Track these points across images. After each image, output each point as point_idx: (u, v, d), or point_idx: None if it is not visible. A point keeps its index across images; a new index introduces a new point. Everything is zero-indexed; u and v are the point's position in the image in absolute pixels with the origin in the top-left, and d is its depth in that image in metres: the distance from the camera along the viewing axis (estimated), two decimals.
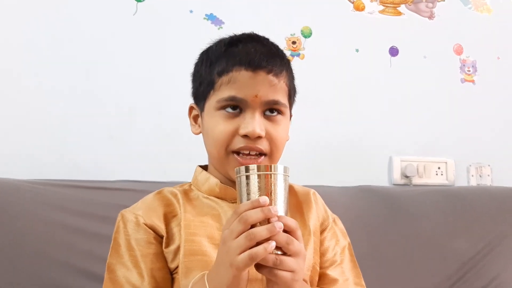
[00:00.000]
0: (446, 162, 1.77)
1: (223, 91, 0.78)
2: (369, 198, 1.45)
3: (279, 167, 0.65)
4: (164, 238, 0.78)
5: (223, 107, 0.78)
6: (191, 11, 1.55)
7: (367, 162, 1.68)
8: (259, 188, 0.63)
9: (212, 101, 0.79)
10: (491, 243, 1.46)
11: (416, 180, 1.70)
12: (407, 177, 1.69)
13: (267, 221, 0.61)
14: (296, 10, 1.68)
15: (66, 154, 1.37)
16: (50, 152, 1.36)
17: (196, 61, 0.87)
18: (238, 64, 0.77)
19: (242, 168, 0.65)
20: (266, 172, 0.64)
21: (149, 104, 1.47)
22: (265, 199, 0.62)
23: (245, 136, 0.76)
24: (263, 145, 0.78)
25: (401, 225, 1.41)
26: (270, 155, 0.80)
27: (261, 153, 0.79)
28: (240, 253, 0.59)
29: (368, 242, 1.33)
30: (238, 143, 0.77)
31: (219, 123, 0.78)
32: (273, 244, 0.59)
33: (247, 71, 0.77)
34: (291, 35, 1.66)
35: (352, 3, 1.77)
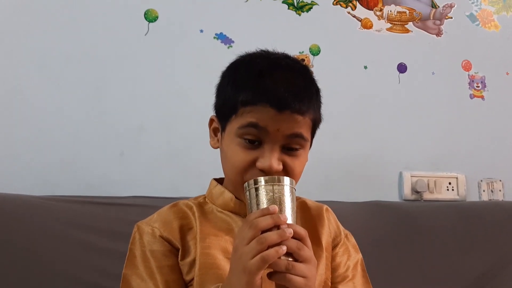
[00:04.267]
0: (457, 177, 1.75)
1: (245, 118, 0.76)
2: (379, 214, 1.44)
3: (286, 179, 0.68)
4: (179, 250, 0.79)
5: (243, 135, 0.77)
6: (201, 31, 1.58)
7: (377, 177, 1.68)
8: (268, 198, 0.66)
9: (234, 126, 0.78)
10: (503, 259, 1.44)
11: (427, 196, 1.69)
12: (417, 192, 1.68)
13: (277, 228, 0.63)
14: (305, 28, 1.70)
15: (78, 171, 1.39)
16: (62, 169, 1.38)
17: (223, 73, 0.85)
18: (264, 101, 0.75)
19: (251, 181, 0.68)
20: (274, 183, 0.67)
21: (159, 122, 1.49)
22: (274, 207, 0.64)
23: (262, 170, 0.75)
24: (280, 175, 0.76)
25: (412, 241, 1.40)
26: None
27: None
28: (252, 258, 0.61)
29: (379, 258, 1.32)
30: (254, 175, 0.75)
31: (238, 152, 0.77)
32: (284, 247, 0.61)
33: (272, 108, 0.74)
34: (300, 52, 1.68)
35: (360, 21, 1.79)
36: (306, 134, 0.79)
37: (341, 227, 0.92)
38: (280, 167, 0.76)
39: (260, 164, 0.75)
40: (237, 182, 0.78)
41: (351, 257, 0.88)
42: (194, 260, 0.77)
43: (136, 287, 0.76)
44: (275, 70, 0.79)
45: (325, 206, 0.92)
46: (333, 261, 0.86)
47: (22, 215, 1.12)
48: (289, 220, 0.65)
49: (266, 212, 0.64)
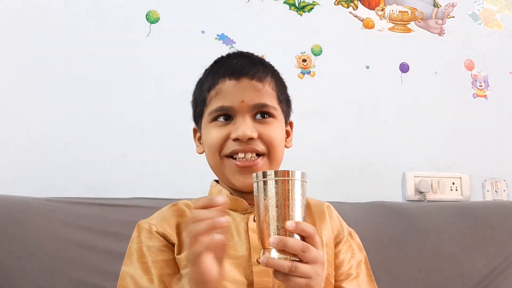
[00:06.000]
0: (460, 178, 1.75)
1: (213, 104, 0.82)
2: (383, 214, 1.43)
3: (297, 173, 0.65)
4: (175, 245, 0.80)
5: (214, 118, 0.82)
6: (203, 32, 1.58)
7: (380, 178, 1.67)
8: (276, 193, 0.63)
9: (206, 116, 0.84)
10: (508, 259, 1.43)
11: (430, 196, 1.68)
12: (421, 192, 1.67)
13: (284, 230, 0.62)
14: (306, 29, 1.70)
15: (80, 172, 1.39)
16: (64, 171, 1.38)
17: (194, 88, 0.91)
18: (223, 76, 0.82)
19: (260, 173, 0.65)
20: (283, 178, 0.64)
21: (161, 123, 1.49)
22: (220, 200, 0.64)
23: (237, 140, 0.79)
24: (258, 146, 0.80)
25: (416, 241, 1.39)
26: (269, 155, 0.82)
27: (258, 154, 0.81)
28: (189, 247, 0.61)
29: (382, 258, 1.31)
30: (231, 146, 0.80)
31: (212, 132, 0.82)
32: (217, 236, 0.60)
33: (231, 80, 0.81)
34: (302, 53, 1.68)
35: (362, 21, 1.78)
36: (271, 103, 0.83)
37: (345, 225, 0.92)
38: (255, 134, 0.79)
39: (234, 134, 0.79)
40: (217, 162, 0.82)
41: (355, 255, 0.88)
42: None
43: (131, 282, 0.77)
44: (229, 55, 0.88)
45: (326, 203, 0.93)
46: (336, 258, 0.86)
47: (24, 217, 1.12)
48: (298, 218, 0.63)
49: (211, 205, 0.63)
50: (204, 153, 0.88)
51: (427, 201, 1.67)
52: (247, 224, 0.81)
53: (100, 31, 1.49)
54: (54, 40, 1.44)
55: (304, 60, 1.67)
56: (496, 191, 1.77)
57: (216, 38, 1.59)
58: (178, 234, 0.81)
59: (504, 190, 1.78)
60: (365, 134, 1.69)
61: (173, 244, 0.80)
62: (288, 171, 0.64)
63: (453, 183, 1.73)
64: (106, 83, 1.47)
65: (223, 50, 1.56)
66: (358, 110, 1.70)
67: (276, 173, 0.64)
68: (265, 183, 0.64)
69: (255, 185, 0.66)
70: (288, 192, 0.63)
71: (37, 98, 1.41)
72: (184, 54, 1.55)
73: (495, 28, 1.95)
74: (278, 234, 0.62)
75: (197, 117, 0.88)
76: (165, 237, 0.81)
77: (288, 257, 0.61)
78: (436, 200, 1.67)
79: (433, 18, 1.87)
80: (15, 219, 1.11)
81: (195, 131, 0.92)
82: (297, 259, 0.61)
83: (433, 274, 1.37)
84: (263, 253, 0.64)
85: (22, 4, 1.44)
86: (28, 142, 1.38)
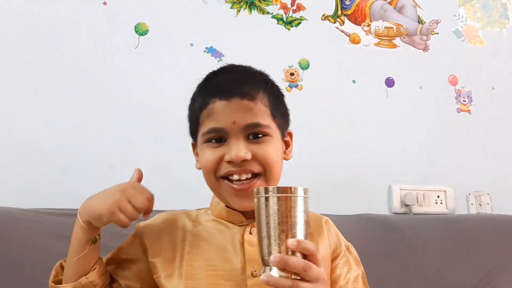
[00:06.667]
0: (445, 191, 1.77)
1: (205, 125, 0.81)
2: (369, 227, 1.44)
3: (299, 189, 0.64)
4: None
5: (208, 140, 0.81)
6: (191, 44, 1.59)
7: (366, 191, 1.69)
8: (278, 210, 0.62)
9: (200, 136, 0.83)
10: (492, 271, 1.44)
11: (416, 209, 1.70)
12: (406, 205, 1.69)
13: (285, 247, 0.62)
14: (294, 43, 1.72)
15: (66, 184, 1.38)
16: (50, 182, 1.37)
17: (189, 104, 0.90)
18: (213, 96, 0.80)
19: (262, 189, 0.64)
20: (285, 195, 0.63)
21: (148, 135, 1.49)
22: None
23: (231, 162, 0.78)
24: (254, 166, 0.79)
25: (401, 254, 1.40)
26: (265, 175, 0.80)
27: (254, 175, 0.79)
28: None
29: (369, 270, 1.30)
30: (225, 168, 0.79)
31: (206, 153, 0.81)
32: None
33: (221, 101, 0.79)
34: (289, 66, 1.70)
35: (348, 36, 1.81)
36: (264, 121, 0.80)
37: (342, 239, 0.92)
38: (248, 155, 0.77)
39: (227, 156, 0.78)
40: (213, 183, 0.82)
41: (351, 270, 0.88)
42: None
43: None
44: (219, 72, 0.87)
45: (324, 218, 0.93)
46: (333, 273, 0.86)
47: (9, 228, 1.10)
48: (300, 235, 0.62)
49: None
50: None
51: (413, 213, 1.68)
52: (243, 236, 0.80)
53: (89, 42, 1.49)
54: (41, 52, 1.44)
55: (291, 74, 1.69)
56: (480, 204, 1.80)
57: (204, 51, 1.60)
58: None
59: (488, 204, 1.80)
60: (351, 147, 1.70)
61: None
62: (290, 188, 0.63)
63: (438, 196, 1.75)
64: (94, 94, 1.46)
65: (212, 63, 1.59)
66: (344, 123, 1.72)
67: (278, 189, 0.63)
68: (266, 199, 0.63)
69: (256, 200, 0.65)
70: (290, 209, 0.62)
71: (23, 110, 1.40)
72: (172, 66, 1.55)
73: (478, 44, 2.00)
74: (279, 252, 0.62)
75: (193, 134, 0.88)
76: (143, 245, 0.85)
77: (289, 275, 0.60)
78: (422, 213, 1.69)
79: (418, 34, 1.91)
80: (0, 230, 1.09)
81: (193, 145, 0.91)
82: (298, 278, 0.61)
83: (419, 286, 1.38)
84: (264, 271, 0.63)
85: (12, 16, 1.43)
86: (13, 153, 1.36)
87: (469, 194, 1.81)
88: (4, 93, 1.39)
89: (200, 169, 0.87)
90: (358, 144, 1.72)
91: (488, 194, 1.82)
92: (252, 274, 0.76)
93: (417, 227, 1.49)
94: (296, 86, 1.69)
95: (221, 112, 0.78)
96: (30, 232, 1.11)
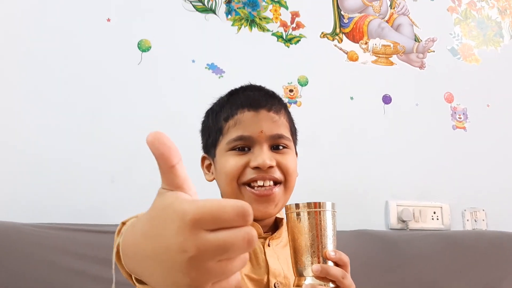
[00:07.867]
0: (441, 207, 1.79)
1: (231, 133, 0.83)
2: (366, 242, 1.46)
3: (327, 204, 0.69)
4: None
5: (233, 148, 0.83)
6: (193, 61, 1.62)
7: (363, 206, 1.70)
8: (310, 224, 0.67)
9: (223, 145, 0.85)
10: (487, 286, 1.47)
11: (412, 225, 1.72)
12: (403, 221, 1.71)
13: (318, 258, 0.66)
14: (293, 60, 1.75)
15: (68, 198, 1.39)
16: (53, 196, 1.38)
17: (203, 119, 0.93)
18: (241, 107, 0.84)
19: (293, 205, 0.69)
20: (315, 209, 0.68)
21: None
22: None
23: (256, 168, 0.80)
24: (276, 174, 0.82)
25: (398, 269, 1.42)
26: (285, 183, 0.84)
27: (275, 182, 0.83)
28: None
29: (365, 285, 1.33)
30: (250, 174, 0.81)
31: (230, 160, 0.83)
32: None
33: (250, 111, 0.84)
34: (288, 83, 1.73)
35: (346, 53, 1.85)
36: (286, 134, 0.86)
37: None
38: (273, 163, 0.81)
39: (253, 162, 0.80)
40: (234, 190, 0.83)
41: None
42: None
43: None
44: (244, 88, 0.91)
45: None
46: None
47: (11, 242, 1.11)
48: (330, 246, 0.67)
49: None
50: (213, 181, 0.89)
51: (409, 229, 1.70)
52: (263, 248, 0.83)
53: (93, 58, 1.51)
54: (45, 67, 1.46)
55: (291, 90, 1.72)
56: (475, 220, 1.82)
57: (206, 68, 1.63)
58: None
59: (483, 220, 1.82)
60: (348, 163, 1.73)
61: None
62: (319, 203, 0.68)
63: (434, 212, 1.77)
64: (97, 110, 1.49)
65: (213, 79, 1.62)
66: (342, 140, 1.75)
67: (308, 205, 0.68)
68: (297, 214, 0.68)
69: (287, 216, 0.70)
70: (320, 223, 0.67)
71: (25, 124, 1.42)
72: (174, 82, 1.58)
73: (473, 62, 2.04)
74: (312, 262, 0.66)
75: (210, 146, 0.89)
76: None
77: (328, 283, 0.65)
78: (418, 229, 1.71)
79: (414, 52, 1.95)
80: (1, 245, 1.10)
81: (203, 159, 0.93)
82: (334, 286, 0.66)
83: None
84: (299, 280, 0.67)
85: (17, 30, 1.46)
86: (15, 167, 1.38)
87: (465, 210, 1.83)
88: (7, 106, 1.41)
89: (211, 180, 0.89)
90: (355, 160, 1.74)
91: (483, 210, 1.84)
92: (274, 286, 0.78)
93: (414, 243, 1.51)
94: (295, 102, 1.71)
95: (249, 122, 0.83)
96: (33, 246, 1.12)
